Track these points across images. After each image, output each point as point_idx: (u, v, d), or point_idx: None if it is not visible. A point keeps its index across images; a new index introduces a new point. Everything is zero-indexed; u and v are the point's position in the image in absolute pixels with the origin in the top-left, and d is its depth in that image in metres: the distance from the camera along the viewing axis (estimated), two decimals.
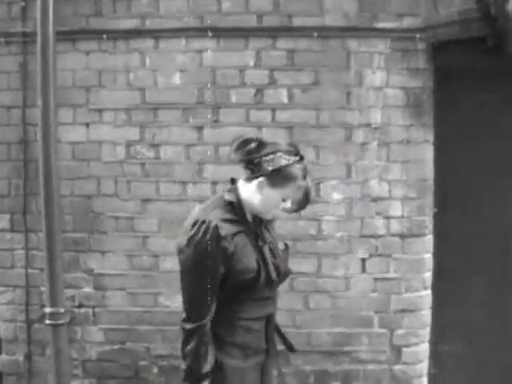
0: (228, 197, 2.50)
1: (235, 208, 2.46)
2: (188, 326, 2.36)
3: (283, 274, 2.62)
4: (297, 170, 2.45)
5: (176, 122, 3.78)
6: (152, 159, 3.79)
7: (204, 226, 2.33)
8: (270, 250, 2.59)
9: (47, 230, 3.54)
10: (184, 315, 2.39)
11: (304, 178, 2.48)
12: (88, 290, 3.86)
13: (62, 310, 3.57)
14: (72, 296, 3.83)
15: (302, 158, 2.49)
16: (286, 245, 2.73)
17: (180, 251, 2.40)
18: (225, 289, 2.42)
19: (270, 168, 2.41)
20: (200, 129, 3.77)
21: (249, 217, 2.50)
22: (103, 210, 3.82)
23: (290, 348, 2.71)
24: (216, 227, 2.34)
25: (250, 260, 2.43)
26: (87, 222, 3.83)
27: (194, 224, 2.36)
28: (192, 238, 2.35)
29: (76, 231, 3.84)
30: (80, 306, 3.85)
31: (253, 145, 2.43)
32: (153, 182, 3.80)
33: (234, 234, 2.40)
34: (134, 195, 3.81)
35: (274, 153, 2.41)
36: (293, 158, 2.44)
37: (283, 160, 2.41)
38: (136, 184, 3.81)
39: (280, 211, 2.54)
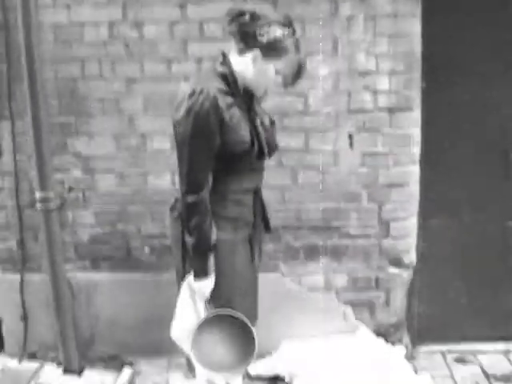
0: (221, 69, 2.49)
1: (228, 81, 2.47)
2: (190, 199, 2.39)
3: (272, 149, 2.66)
4: (290, 42, 2.45)
5: (158, 0, 3.69)
6: (135, 38, 3.72)
7: (202, 96, 2.33)
8: (261, 123, 2.62)
9: (33, 114, 3.53)
10: (184, 189, 2.41)
11: (297, 51, 2.48)
12: (77, 173, 3.86)
13: (52, 195, 3.60)
14: (61, 180, 3.83)
15: (294, 31, 2.48)
16: (273, 121, 2.75)
17: (177, 124, 2.41)
18: (218, 161, 2.44)
19: (265, 40, 2.40)
20: (183, 6, 3.68)
21: (241, 90, 2.50)
22: (88, 92, 3.77)
23: (267, 227, 2.78)
24: (215, 97, 2.34)
25: (244, 132, 2.45)
26: (73, 105, 3.79)
27: (192, 94, 2.35)
28: (191, 107, 2.35)
29: (62, 114, 3.80)
30: (70, 189, 3.84)
31: (247, 16, 2.41)
32: (137, 61, 3.73)
33: (230, 106, 2.41)
34: (119, 76, 3.75)
35: (268, 25, 2.40)
36: (287, 31, 2.43)
37: (278, 32, 2.40)
38: (120, 64, 3.75)
39: (272, 85, 2.54)
